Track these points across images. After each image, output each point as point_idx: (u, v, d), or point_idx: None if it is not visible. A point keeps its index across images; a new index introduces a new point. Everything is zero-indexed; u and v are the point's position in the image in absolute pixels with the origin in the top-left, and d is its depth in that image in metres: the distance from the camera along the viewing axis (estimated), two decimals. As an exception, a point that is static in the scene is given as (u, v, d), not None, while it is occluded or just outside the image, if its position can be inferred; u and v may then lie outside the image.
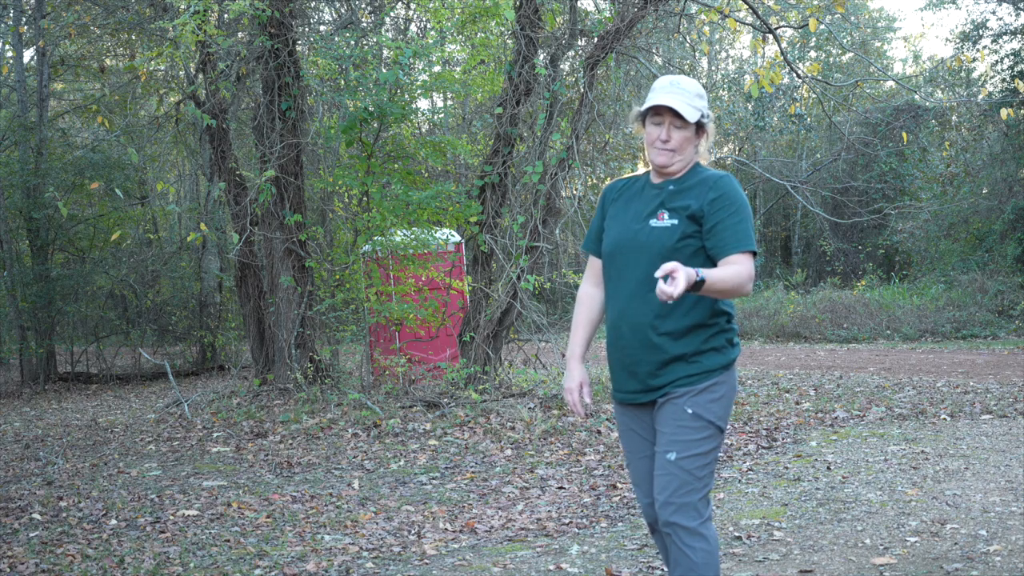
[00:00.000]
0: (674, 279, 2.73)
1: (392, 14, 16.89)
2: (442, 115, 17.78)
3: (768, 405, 9.36)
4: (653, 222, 3.07)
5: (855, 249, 24.58)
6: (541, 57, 9.77)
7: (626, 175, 3.34)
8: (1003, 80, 20.76)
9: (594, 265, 3.33)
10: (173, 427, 9.35)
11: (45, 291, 15.20)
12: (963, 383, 10.29)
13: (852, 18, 25.49)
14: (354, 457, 7.49)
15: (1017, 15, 20.54)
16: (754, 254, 3.02)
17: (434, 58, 13.08)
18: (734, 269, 2.93)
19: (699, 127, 3.10)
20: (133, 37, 16.21)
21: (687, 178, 3.11)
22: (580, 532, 5.25)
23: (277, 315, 9.93)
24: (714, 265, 3.01)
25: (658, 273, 2.76)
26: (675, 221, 3.03)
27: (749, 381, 11.49)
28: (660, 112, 3.07)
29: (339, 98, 9.98)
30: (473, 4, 10.95)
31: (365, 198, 9.83)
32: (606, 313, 3.22)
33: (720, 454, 7.13)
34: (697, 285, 2.81)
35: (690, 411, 3.04)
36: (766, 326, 19.15)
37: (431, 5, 12.08)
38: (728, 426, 8.09)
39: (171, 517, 5.72)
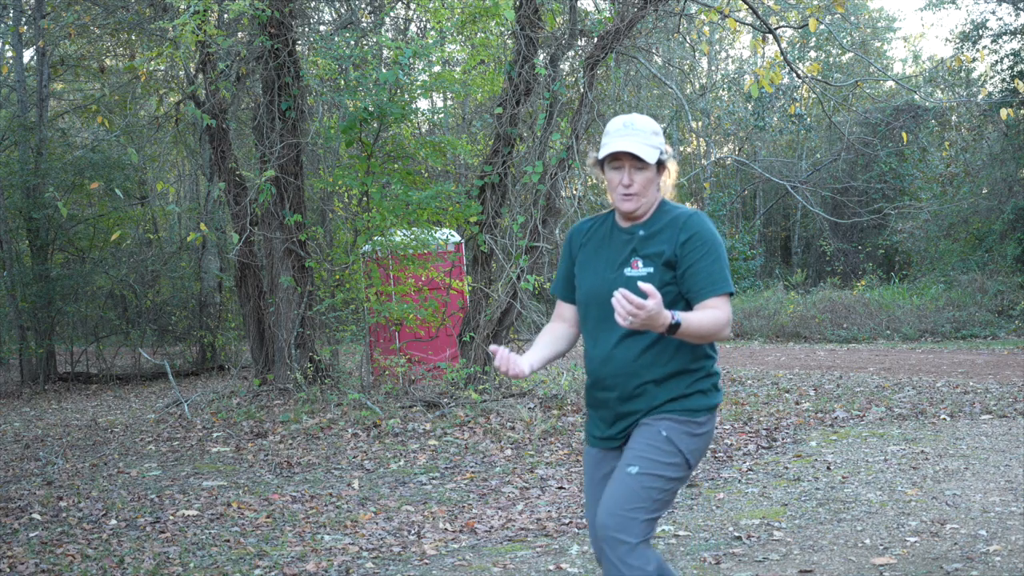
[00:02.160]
0: (643, 305, 2.64)
1: (392, 14, 16.89)
2: (442, 115, 17.78)
3: (768, 405, 9.36)
4: (627, 271, 2.97)
5: (855, 249, 24.59)
6: (541, 57, 9.78)
7: (590, 216, 3.21)
8: (1003, 80, 20.77)
9: (562, 308, 3.21)
10: (173, 427, 9.35)
11: (45, 291, 15.20)
12: (963, 383, 10.29)
13: (852, 18, 25.50)
14: (354, 457, 7.49)
15: (1017, 15, 20.55)
16: (731, 295, 2.93)
17: (434, 58, 13.09)
18: (711, 314, 2.86)
19: (660, 165, 3.00)
20: (133, 37, 16.22)
21: (655, 220, 3.01)
22: (580, 532, 5.25)
23: (277, 315, 9.93)
24: (690, 308, 2.93)
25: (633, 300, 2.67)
26: (650, 269, 2.95)
27: (749, 381, 11.49)
28: (618, 157, 2.97)
29: (339, 98, 9.98)
30: (473, 4, 10.95)
31: (365, 198, 9.83)
32: (586, 363, 3.09)
33: (721, 455, 7.15)
34: (672, 328, 2.74)
35: (664, 434, 2.93)
36: (766, 326, 19.15)
37: (431, 5, 12.08)
38: (729, 426, 8.12)
39: (171, 517, 5.72)
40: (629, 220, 3.04)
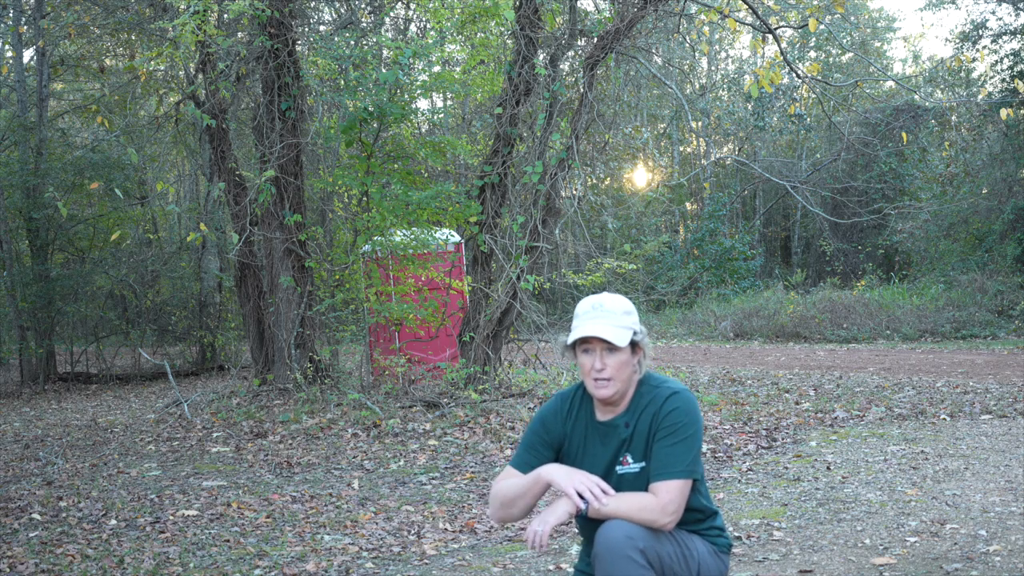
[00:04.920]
0: (544, 527, 2.74)
1: (392, 14, 16.89)
2: (442, 115, 17.78)
3: (768, 405, 9.36)
4: (619, 468, 2.89)
5: (855, 249, 24.61)
6: (541, 57, 9.78)
7: (557, 395, 3.08)
8: (1003, 80, 20.78)
9: (513, 475, 3.02)
10: (173, 427, 9.35)
11: (45, 291, 15.21)
12: (963, 383, 10.29)
13: (852, 18, 25.52)
14: (354, 457, 7.49)
15: (1017, 15, 20.55)
16: (690, 480, 2.80)
17: (434, 58, 13.09)
18: (638, 501, 2.76)
19: (634, 345, 2.88)
20: (133, 37, 16.23)
21: (635, 407, 2.91)
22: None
23: (277, 315, 9.93)
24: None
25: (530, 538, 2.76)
26: (643, 463, 2.86)
27: (749, 381, 11.50)
28: (589, 340, 2.86)
29: (339, 98, 9.99)
30: (473, 4, 10.95)
31: (365, 198, 9.84)
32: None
33: (721, 455, 7.14)
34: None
35: (685, 532, 2.88)
36: (766, 326, 19.16)
37: (431, 5, 12.08)
38: (729, 426, 8.11)
39: (171, 517, 5.72)
40: (607, 407, 2.93)
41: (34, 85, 16.31)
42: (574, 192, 11.10)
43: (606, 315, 2.85)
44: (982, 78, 24.07)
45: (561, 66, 10.31)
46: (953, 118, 21.95)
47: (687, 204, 29.36)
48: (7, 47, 18.59)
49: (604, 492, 2.77)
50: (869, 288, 20.68)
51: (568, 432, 2.99)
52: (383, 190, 9.96)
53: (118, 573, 4.69)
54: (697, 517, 2.93)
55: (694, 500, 2.91)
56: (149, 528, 5.51)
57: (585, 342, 2.86)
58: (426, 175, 12.27)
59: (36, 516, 5.84)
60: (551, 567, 4.58)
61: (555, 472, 2.85)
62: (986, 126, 21.40)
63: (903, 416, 8.45)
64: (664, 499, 2.74)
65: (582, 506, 2.77)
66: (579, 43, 10.44)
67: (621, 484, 2.86)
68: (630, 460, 2.87)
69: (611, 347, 2.83)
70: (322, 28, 16.58)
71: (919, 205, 21.55)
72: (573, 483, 2.78)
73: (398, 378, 9.85)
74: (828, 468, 6.44)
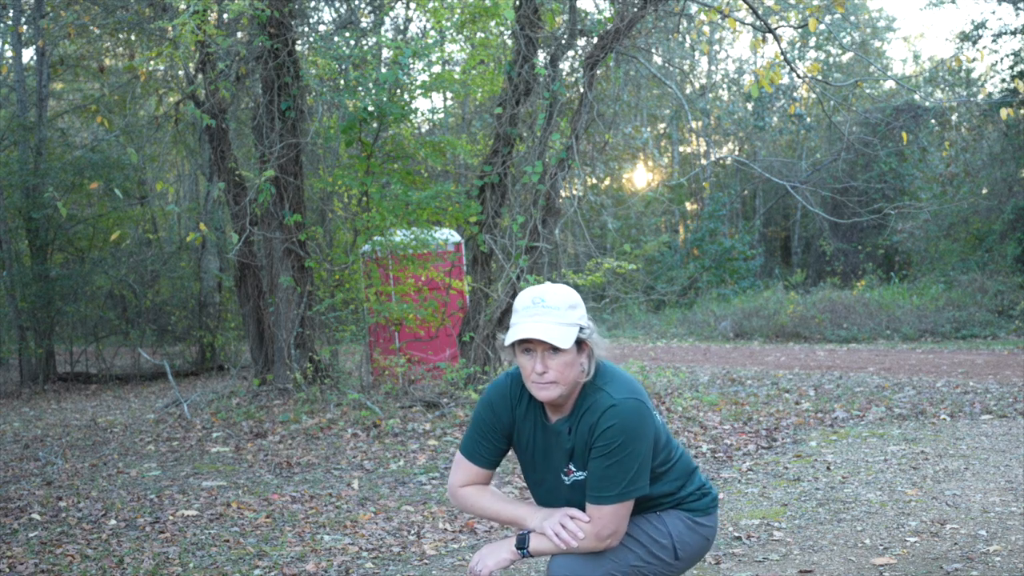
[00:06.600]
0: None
1: (392, 14, 16.89)
2: (442, 115, 17.78)
3: (768, 405, 9.36)
4: (563, 477, 2.74)
5: (855, 249, 24.61)
6: (541, 57, 9.78)
7: (503, 375, 2.88)
8: (1003, 80, 20.79)
9: (479, 474, 2.85)
10: (172, 427, 9.35)
11: (44, 291, 15.20)
12: (963, 383, 10.29)
13: (852, 18, 25.53)
14: (354, 457, 7.49)
15: (1017, 15, 20.57)
16: (628, 502, 2.64)
17: (434, 58, 13.07)
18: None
19: (580, 343, 2.63)
20: (133, 37, 16.22)
21: (577, 411, 2.69)
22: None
23: (277, 315, 9.93)
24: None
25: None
26: (585, 472, 2.70)
27: (749, 381, 11.49)
28: (530, 341, 2.60)
29: (339, 98, 9.98)
30: (473, 4, 10.94)
31: (365, 198, 9.83)
32: None
33: (721, 455, 7.14)
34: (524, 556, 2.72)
35: (658, 513, 2.79)
36: (766, 326, 19.16)
37: (431, 5, 12.07)
38: (729, 426, 8.10)
39: (170, 517, 5.72)
40: (552, 409, 2.74)
41: (34, 85, 16.30)
42: (574, 192, 11.10)
43: (548, 312, 2.58)
44: (982, 78, 24.10)
45: (561, 66, 10.31)
46: (953, 118, 21.96)
47: (687, 204, 29.36)
48: (7, 47, 18.60)
49: (579, 520, 2.68)
50: (869, 288, 20.68)
51: (517, 421, 2.80)
52: (383, 190, 9.95)
53: (118, 573, 4.68)
54: (668, 496, 2.81)
55: (658, 487, 2.77)
56: (149, 528, 5.51)
57: (526, 342, 2.62)
58: (426, 175, 12.26)
59: (36, 516, 5.84)
60: (551, 567, 4.58)
61: (537, 523, 2.73)
62: (986, 126, 21.41)
63: (903, 416, 8.45)
64: (597, 525, 2.62)
65: (520, 556, 2.74)
66: (579, 43, 10.43)
67: (574, 490, 2.74)
68: (573, 469, 2.73)
69: (554, 348, 2.59)
70: (322, 28, 16.58)
71: (919, 205, 21.55)
72: (552, 526, 2.68)
73: (398, 378, 9.84)
74: (828, 468, 6.44)
